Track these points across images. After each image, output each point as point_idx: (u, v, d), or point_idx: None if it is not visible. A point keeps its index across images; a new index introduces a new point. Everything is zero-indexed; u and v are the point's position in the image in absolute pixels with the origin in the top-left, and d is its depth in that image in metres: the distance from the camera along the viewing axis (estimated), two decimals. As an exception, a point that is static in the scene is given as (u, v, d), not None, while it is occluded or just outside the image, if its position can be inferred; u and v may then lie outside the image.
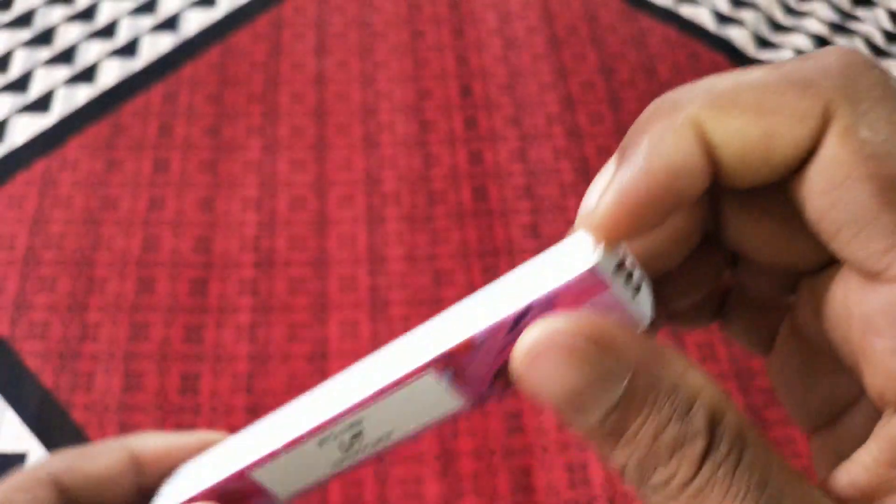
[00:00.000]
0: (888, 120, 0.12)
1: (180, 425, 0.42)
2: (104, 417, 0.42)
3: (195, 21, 0.59)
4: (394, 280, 0.48)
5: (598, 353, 0.12)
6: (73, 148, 0.52)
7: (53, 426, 0.42)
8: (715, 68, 0.59)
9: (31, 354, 0.44)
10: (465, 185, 0.52)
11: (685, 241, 0.15)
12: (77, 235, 0.48)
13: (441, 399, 0.15)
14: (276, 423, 0.18)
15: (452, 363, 0.14)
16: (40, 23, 0.58)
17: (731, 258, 0.17)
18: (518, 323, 0.13)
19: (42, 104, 0.54)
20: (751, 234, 0.15)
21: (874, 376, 0.12)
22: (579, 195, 0.52)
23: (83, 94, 0.54)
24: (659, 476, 0.12)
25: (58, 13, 0.59)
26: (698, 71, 0.59)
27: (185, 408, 0.43)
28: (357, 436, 0.16)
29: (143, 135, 0.53)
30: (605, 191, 0.14)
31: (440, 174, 0.52)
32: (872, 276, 0.12)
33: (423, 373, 0.14)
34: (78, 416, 0.42)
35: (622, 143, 0.14)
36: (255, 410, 0.43)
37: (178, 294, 0.46)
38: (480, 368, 0.14)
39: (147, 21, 0.59)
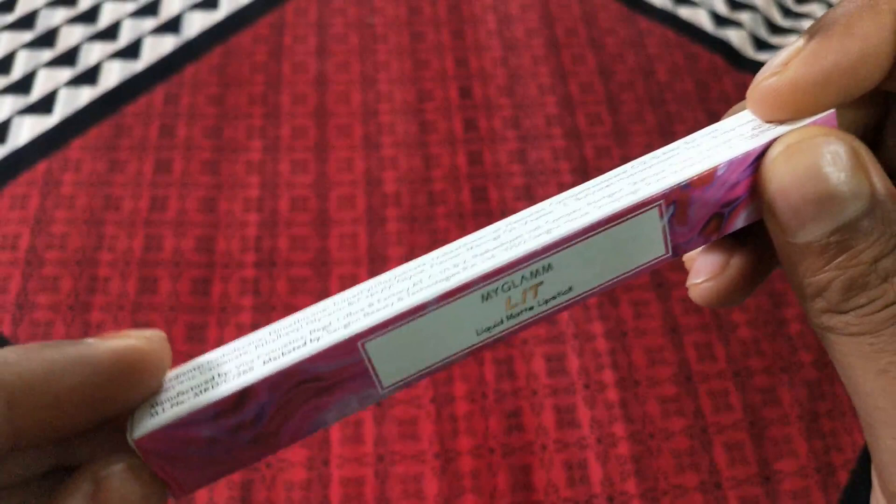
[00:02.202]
0: None
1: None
2: (106, 416, 0.42)
3: (197, 23, 0.59)
4: (394, 280, 0.48)
5: (857, 168, 0.13)
6: (76, 149, 0.52)
7: (56, 425, 0.42)
8: (713, 69, 0.59)
9: (34, 354, 0.44)
10: (464, 186, 0.52)
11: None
12: (79, 235, 0.48)
13: (649, 242, 0.14)
14: (382, 286, 0.14)
15: (684, 196, 0.14)
16: (43, 24, 0.59)
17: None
18: (759, 158, 0.14)
19: (44, 105, 0.54)
20: None
21: None
22: (578, 196, 0.53)
23: (85, 96, 0.55)
24: (863, 298, 0.13)
25: (60, 15, 0.59)
26: (696, 72, 0.59)
27: (187, 407, 0.43)
28: (536, 287, 0.13)
29: (145, 135, 0.53)
30: (788, 62, 0.14)
31: (440, 175, 0.53)
32: None
33: (651, 205, 0.13)
34: (80, 414, 0.42)
35: (811, 26, 0.14)
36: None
37: (180, 294, 0.47)
38: (702, 209, 0.14)
39: (149, 23, 0.59)
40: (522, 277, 0.13)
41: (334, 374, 0.14)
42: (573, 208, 0.14)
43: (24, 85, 0.55)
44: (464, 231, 0.50)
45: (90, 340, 0.14)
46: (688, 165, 0.14)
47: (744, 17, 0.63)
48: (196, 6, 0.61)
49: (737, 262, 0.17)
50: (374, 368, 0.14)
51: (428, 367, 0.14)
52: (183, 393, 0.14)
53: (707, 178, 0.14)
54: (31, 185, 0.50)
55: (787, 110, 0.14)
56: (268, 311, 0.46)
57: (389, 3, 0.62)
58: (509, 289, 0.13)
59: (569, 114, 0.56)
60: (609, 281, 0.14)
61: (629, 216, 0.13)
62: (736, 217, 0.15)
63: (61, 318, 0.45)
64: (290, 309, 0.47)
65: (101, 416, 0.13)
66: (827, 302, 0.13)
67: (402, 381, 0.14)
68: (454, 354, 0.14)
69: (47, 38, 0.58)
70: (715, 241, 0.16)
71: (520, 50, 0.60)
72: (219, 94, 0.55)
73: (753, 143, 0.14)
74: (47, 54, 0.57)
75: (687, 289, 0.17)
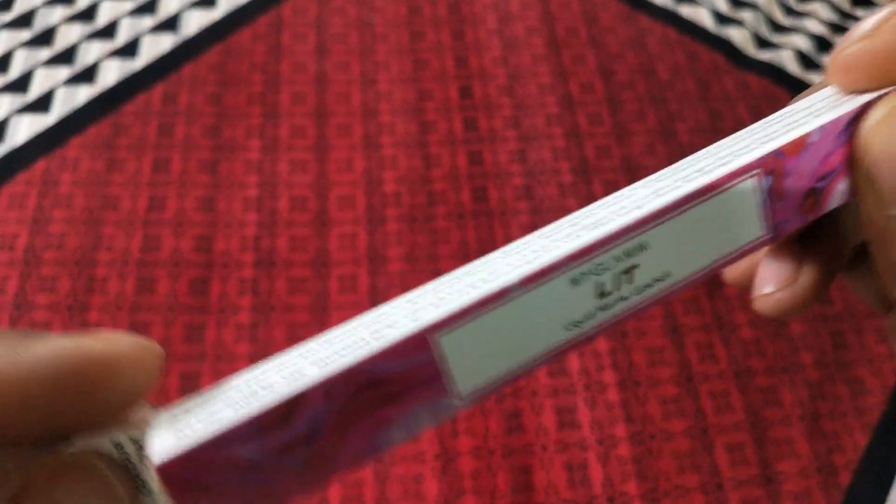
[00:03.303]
0: None
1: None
2: (105, 417, 0.42)
3: (195, 21, 0.59)
4: (394, 280, 0.48)
5: None
6: (74, 148, 0.52)
7: (54, 426, 0.42)
8: (714, 68, 0.59)
9: (32, 354, 0.44)
10: (464, 186, 0.52)
11: None
12: (77, 235, 0.48)
13: (746, 220, 0.13)
14: (449, 282, 0.13)
15: (779, 165, 0.13)
16: (40, 23, 0.58)
17: None
18: (851, 124, 0.13)
19: (42, 104, 0.54)
20: None
21: None
22: (579, 196, 0.53)
23: (83, 94, 0.54)
24: None
25: (58, 13, 0.59)
26: (698, 71, 0.59)
27: (186, 407, 0.43)
28: (630, 271, 0.12)
29: (144, 135, 0.53)
30: (880, 26, 0.13)
31: (440, 175, 0.52)
32: None
33: (746, 175, 0.13)
34: (78, 415, 0.42)
35: None
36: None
37: (179, 294, 0.46)
38: (798, 181, 0.13)
39: (147, 21, 0.59)
40: (615, 258, 0.12)
41: (402, 378, 0.12)
42: (658, 187, 0.13)
43: (21, 84, 0.55)
44: (463, 231, 0.50)
45: (39, 336, 0.11)
46: (774, 137, 0.13)
47: (745, 15, 0.63)
48: (194, 5, 0.60)
49: (810, 268, 0.15)
50: (448, 370, 0.12)
51: (510, 371, 0.12)
52: (217, 412, 0.11)
53: (799, 145, 0.13)
54: (29, 184, 0.50)
55: (877, 78, 0.13)
56: (267, 312, 0.46)
57: (389, 3, 0.62)
58: (602, 272, 0.12)
59: (569, 113, 0.56)
60: (710, 265, 0.13)
61: (725, 187, 0.12)
62: (831, 193, 0.13)
63: (59, 318, 0.45)
64: (290, 309, 0.46)
65: (46, 428, 0.11)
66: None
67: (481, 387, 0.12)
68: (540, 355, 0.12)
69: (45, 37, 0.57)
70: (781, 246, 0.15)
71: (520, 49, 0.59)
72: (217, 94, 0.55)
73: (844, 109, 0.13)
74: (45, 53, 0.57)
75: (753, 300, 0.16)
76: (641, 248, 0.12)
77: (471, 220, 0.50)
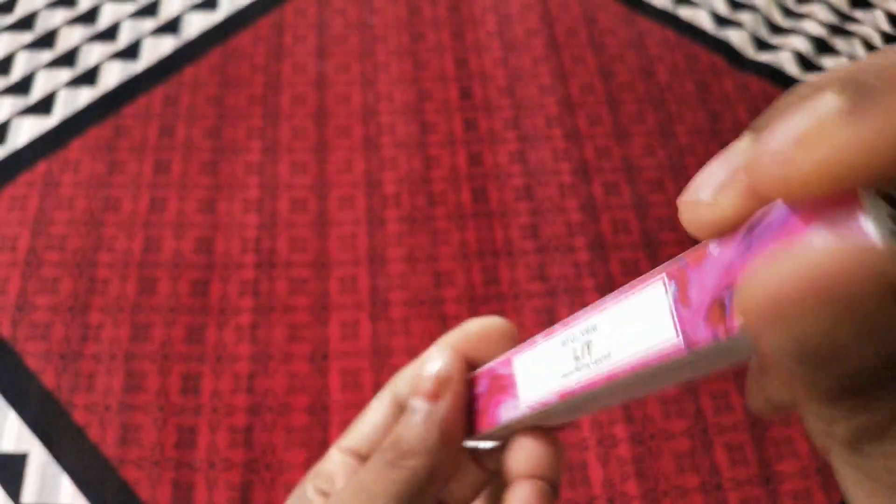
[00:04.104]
0: None
1: (181, 426, 0.42)
2: (105, 418, 0.42)
3: (196, 23, 0.59)
4: (394, 281, 0.48)
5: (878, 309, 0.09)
6: (75, 149, 0.52)
7: (54, 427, 0.42)
8: (713, 70, 0.59)
9: (33, 355, 0.44)
10: (464, 187, 0.52)
11: None
12: (79, 236, 0.48)
13: (660, 324, 0.14)
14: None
15: (682, 276, 0.13)
16: (42, 25, 0.59)
17: None
18: (752, 231, 0.11)
19: (44, 106, 0.54)
20: None
21: None
22: (578, 196, 0.53)
23: (85, 96, 0.55)
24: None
25: (60, 16, 0.59)
26: (697, 73, 0.59)
27: (187, 408, 0.43)
28: (588, 345, 0.16)
29: (145, 136, 0.53)
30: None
31: (440, 176, 0.53)
32: None
33: (655, 279, 0.14)
34: (79, 416, 0.42)
35: (756, 123, 0.11)
36: (256, 410, 0.43)
37: (180, 295, 0.46)
38: (702, 292, 0.13)
39: (148, 24, 0.59)
40: (579, 332, 0.16)
41: (502, 380, 0.19)
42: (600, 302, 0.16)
43: (23, 86, 0.55)
44: (463, 232, 0.50)
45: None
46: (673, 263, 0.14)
47: (744, 17, 0.63)
48: (195, 7, 0.60)
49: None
50: (517, 381, 0.19)
51: (544, 397, 0.17)
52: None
53: (701, 257, 0.13)
54: (31, 186, 0.50)
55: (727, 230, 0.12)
56: (267, 313, 0.46)
57: (389, 4, 0.62)
58: (574, 340, 0.16)
59: (569, 114, 0.56)
60: (640, 360, 0.14)
61: (639, 287, 0.14)
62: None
63: (61, 319, 0.45)
64: (290, 310, 0.46)
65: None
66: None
67: (533, 401, 0.18)
68: (557, 391, 0.17)
69: (47, 39, 0.58)
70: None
71: (520, 50, 0.60)
72: (218, 95, 0.55)
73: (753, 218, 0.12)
74: (47, 55, 0.57)
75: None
76: (594, 328, 0.15)
77: (471, 220, 0.51)
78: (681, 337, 0.13)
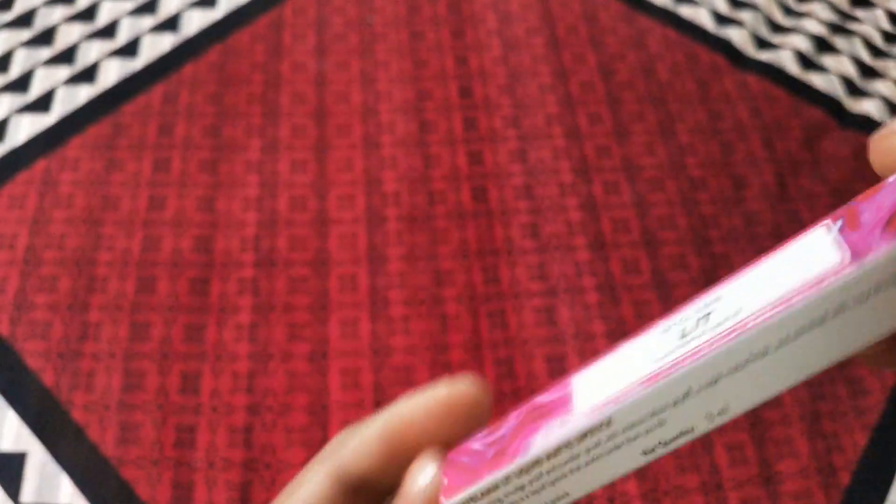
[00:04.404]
0: None
1: (181, 425, 0.42)
2: (104, 417, 0.42)
3: (195, 21, 0.59)
4: (394, 280, 0.48)
5: None
6: (74, 147, 0.52)
7: (54, 425, 0.42)
8: (714, 68, 0.59)
9: (32, 354, 0.44)
10: (464, 186, 0.52)
11: None
12: (78, 235, 0.48)
13: (817, 255, 0.13)
14: None
15: (850, 211, 0.13)
16: (41, 23, 0.58)
17: None
18: None
19: (43, 104, 0.54)
20: None
21: None
22: (578, 195, 0.53)
23: (84, 94, 0.54)
24: None
25: (58, 13, 0.59)
26: (697, 71, 0.59)
27: (186, 407, 0.43)
28: (706, 317, 0.13)
29: (144, 134, 0.53)
30: None
31: (440, 174, 0.52)
32: None
33: (816, 226, 0.13)
34: (78, 415, 0.42)
35: None
36: (256, 410, 0.43)
37: (179, 294, 0.46)
38: (877, 213, 0.12)
39: (147, 21, 0.59)
40: (691, 312, 0.14)
41: (555, 401, 0.15)
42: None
43: (22, 83, 0.55)
44: (463, 231, 0.50)
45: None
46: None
47: (745, 15, 0.63)
48: (195, 4, 0.60)
49: None
50: (572, 394, 0.15)
51: (610, 398, 0.14)
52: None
53: (875, 189, 0.13)
54: (30, 184, 0.50)
55: None
56: (267, 312, 0.46)
57: (389, 2, 0.62)
58: (681, 322, 0.14)
59: (569, 113, 0.56)
60: (783, 298, 0.13)
61: (798, 238, 0.13)
62: None
63: (59, 317, 0.45)
64: (290, 309, 0.46)
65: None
66: None
67: (592, 406, 0.15)
68: (634, 389, 0.14)
69: (45, 37, 0.57)
70: None
71: (520, 49, 0.59)
72: (217, 93, 0.55)
73: None
74: (45, 52, 0.57)
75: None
76: (718, 298, 0.13)
77: (471, 219, 0.51)
78: (847, 252, 0.12)
